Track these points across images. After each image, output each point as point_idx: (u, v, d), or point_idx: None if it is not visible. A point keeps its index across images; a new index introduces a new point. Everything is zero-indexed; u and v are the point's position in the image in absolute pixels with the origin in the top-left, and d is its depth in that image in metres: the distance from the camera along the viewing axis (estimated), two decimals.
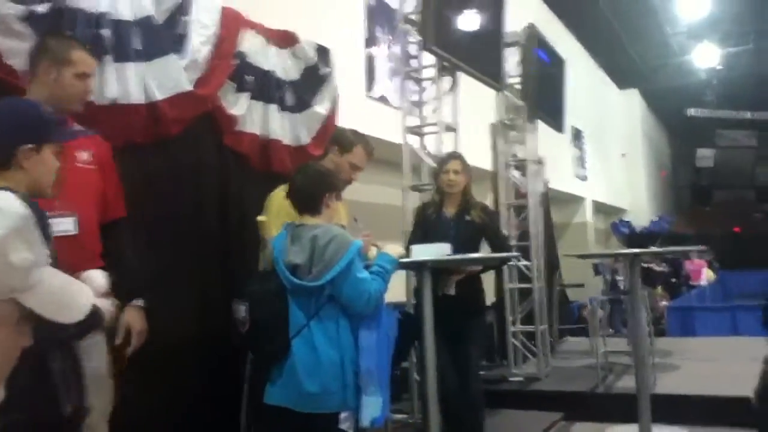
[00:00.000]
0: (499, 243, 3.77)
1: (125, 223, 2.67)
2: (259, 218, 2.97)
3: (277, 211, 3.07)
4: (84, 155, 2.47)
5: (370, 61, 7.65)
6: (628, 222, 4.32)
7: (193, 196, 3.43)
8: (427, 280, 2.98)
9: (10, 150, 1.77)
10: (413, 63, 5.01)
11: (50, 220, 2.21)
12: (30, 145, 1.80)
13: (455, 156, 3.94)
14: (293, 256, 2.59)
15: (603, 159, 17.27)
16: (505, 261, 4.90)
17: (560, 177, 13.25)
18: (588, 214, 15.64)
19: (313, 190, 2.72)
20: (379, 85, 7.81)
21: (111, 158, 2.62)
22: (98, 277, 1.87)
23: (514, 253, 5.06)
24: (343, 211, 3.43)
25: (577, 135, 14.97)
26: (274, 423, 2.66)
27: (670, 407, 4.60)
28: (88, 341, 2.41)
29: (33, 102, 1.93)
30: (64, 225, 2.32)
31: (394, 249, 2.81)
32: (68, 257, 2.27)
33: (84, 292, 1.36)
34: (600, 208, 16.55)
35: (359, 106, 7.10)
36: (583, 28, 14.73)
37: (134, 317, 2.59)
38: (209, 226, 3.49)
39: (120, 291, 2.53)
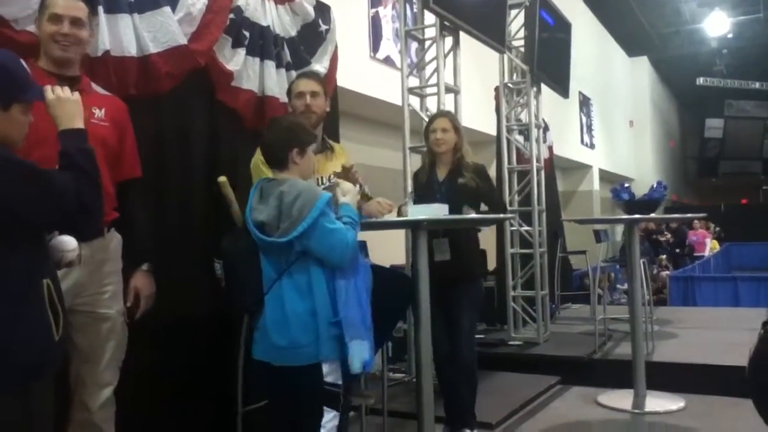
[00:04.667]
0: (493, 204, 3.67)
1: (140, 182, 2.70)
2: (220, 179, 2.92)
3: (255, 173, 3.08)
4: (98, 112, 2.47)
5: (375, 21, 7.55)
6: (628, 188, 4.30)
7: (183, 154, 3.37)
8: (423, 240, 2.94)
9: None
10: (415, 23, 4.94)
11: None
12: None
13: (443, 114, 3.84)
14: (258, 213, 2.55)
15: (610, 127, 17.15)
16: (498, 221, 4.83)
17: (567, 144, 13.18)
18: (595, 182, 15.59)
19: (279, 145, 2.64)
20: (385, 46, 7.72)
21: (127, 117, 2.63)
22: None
23: (509, 215, 5.01)
24: (342, 157, 3.34)
25: (584, 102, 14.85)
26: (259, 377, 2.66)
27: (666, 375, 4.62)
28: (105, 290, 2.47)
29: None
30: None
31: (349, 191, 2.70)
32: None
33: None
34: (606, 177, 16.49)
35: (364, 67, 7.03)
36: None
37: (143, 281, 2.64)
38: (198, 185, 3.43)
39: (129, 253, 2.61)
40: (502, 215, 3.70)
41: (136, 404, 2.77)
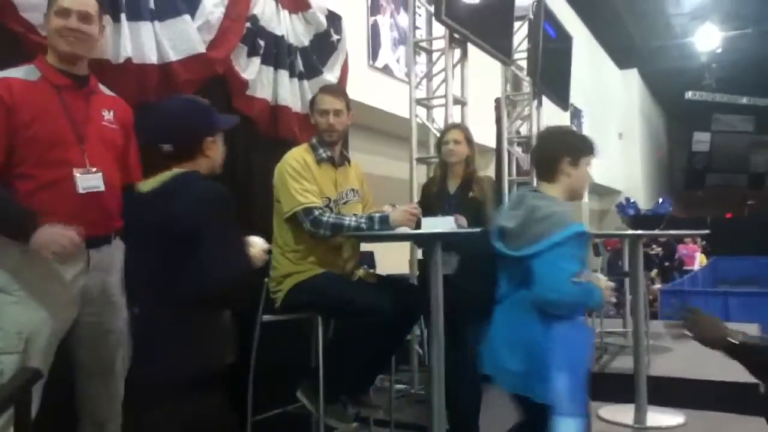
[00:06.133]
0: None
1: None
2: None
3: (279, 180, 3.11)
4: (107, 114, 2.43)
5: (374, 30, 7.57)
6: (634, 203, 4.36)
7: None
8: (438, 254, 2.95)
9: (198, 143, 2.17)
10: (421, 34, 4.97)
11: (81, 176, 2.28)
12: (211, 138, 2.19)
13: (455, 125, 3.87)
14: (507, 219, 2.37)
15: (600, 139, 17.17)
16: None
17: None
18: (584, 194, 15.67)
19: (549, 154, 2.46)
20: (383, 54, 7.74)
21: (132, 120, 2.58)
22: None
23: None
24: (353, 173, 3.36)
25: (576, 113, 14.93)
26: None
27: (664, 390, 4.63)
28: (111, 299, 2.43)
29: (199, 98, 2.31)
30: (94, 181, 2.30)
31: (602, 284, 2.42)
32: (93, 214, 2.27)
33: None
34: (594, 189, 16.59)
35: (362, 75, 7.04)
36: (585, 5, 14.61)
37: None
38: None
39: None
40: None
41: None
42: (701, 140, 23.12)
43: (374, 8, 7.60)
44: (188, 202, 1.99)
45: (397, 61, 7.89)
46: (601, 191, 16.93)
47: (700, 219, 19.74)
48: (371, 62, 7.50)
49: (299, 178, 3.03)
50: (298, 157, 3.12)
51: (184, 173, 2.10)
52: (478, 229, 3.35)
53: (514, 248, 2.31)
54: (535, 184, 2.57)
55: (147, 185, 2.13)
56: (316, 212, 2.99)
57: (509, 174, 6.27)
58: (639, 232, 4.32)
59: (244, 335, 3.16)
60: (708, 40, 17.22)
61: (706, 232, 7.60)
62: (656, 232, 4.65)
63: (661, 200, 4.47)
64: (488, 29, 4.92)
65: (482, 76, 7.00)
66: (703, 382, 4.82)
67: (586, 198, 15.67)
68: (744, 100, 20.55)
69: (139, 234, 2.09)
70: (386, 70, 7.72)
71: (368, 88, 6.91)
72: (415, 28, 5.36)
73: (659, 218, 4.38)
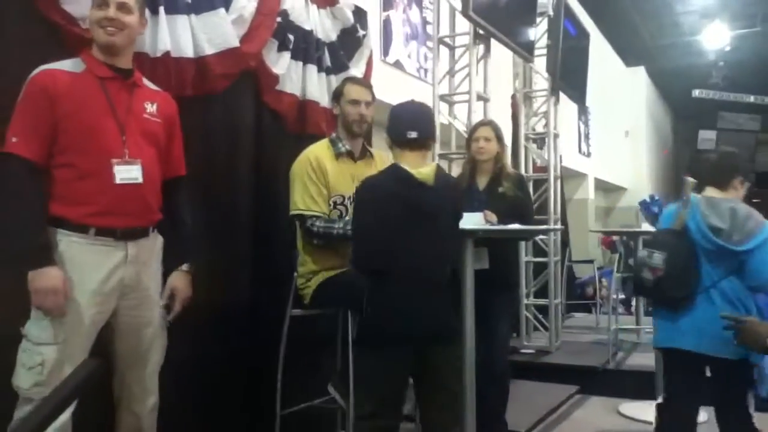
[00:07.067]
0: (524, 218, 3.64)
1: (185, 181, 2.65)
2: (689, 178, 3.05)
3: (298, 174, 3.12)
4: (150, 107, 2.43)
5: (386, 25, 7.54)
6: (658, 200, 4.39)
7: (228, 155, 3.35)
8: (470, 249, 2.95)
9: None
10: (443, 30, 4.96)
11: (119, 167, 2.26)
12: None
13: (485, 122, 3.84)
14: (714, 220, 2.79)
15: (606, 136, 17.22)
16: (544, 232, 4.86)
17: (566, 152, 13.20)
18: (590, 191, 15.65)
19: (729, 168, 2.97)
20: (395, 50, 7.72)
21: (176, 114, 2.58)
22: None
23: (558, 227, 5.03)
24: (379, 166, 3.35)
25: (583, 110, 14.90)
26: (680, 365, 2.95)
27: None
28: (148, 293, 2.43)
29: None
30: (133, 173, 2.30)
31: None
32: (130, 205, 2.28)
33: None
34: (600, 186, 16.56)
35: (374, 71, 7.01)
36: (592, 2, 14.57)
37: (181, 282, 2.56)
38: (241, 187, 3.43)
39: (170, 252, 2.55)
40: (550, 227, 3.71)
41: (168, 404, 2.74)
42: (707, 138, 23.01)
43: (387, 3, 7.57)
44: (456, 189, 2.92)
45: (408, 56, 7.87)
46: (606, 188, 16.92)
47: None
48: (383, 57, 7.48)
49: (308, 182, 3.06)
50: (313, 156, 3.14)
51: (437, 165, 2.72)
52: (517, 226, 3.34)
53: (734, 244, 2.74)
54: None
55: (422, 175, 2.58)
56: (308, 222, 3.04)
57: (525, 170, 6.26)
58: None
59: (273, 329, 3.19)
60: (717, 38, 17.15)
61: None
62: None
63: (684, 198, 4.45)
64: (512, 25, 4.92)
65: (498, 71, 7.01)
66: None
67: (592, 194, 15.68)
68: (751, 99, 20.46)
69: (429, 215, 2.61)
70: (397, 65, 7.70)
71: (381, 83, 6.89)
72: (427, 23, 5.35)
73: None
